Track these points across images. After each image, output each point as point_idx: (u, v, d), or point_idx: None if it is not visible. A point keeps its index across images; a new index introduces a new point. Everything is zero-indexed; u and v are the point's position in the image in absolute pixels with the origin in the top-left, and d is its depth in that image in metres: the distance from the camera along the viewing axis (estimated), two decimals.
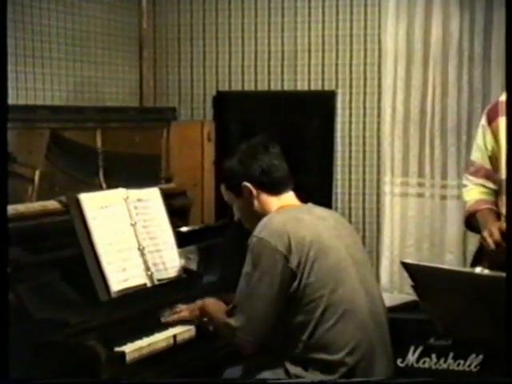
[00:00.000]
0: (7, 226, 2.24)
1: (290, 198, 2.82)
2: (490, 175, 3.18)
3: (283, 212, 2.73)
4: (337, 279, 2.64)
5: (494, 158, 3.15)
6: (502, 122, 3.06)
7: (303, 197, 2.89)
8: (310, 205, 2.86)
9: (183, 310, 3.00)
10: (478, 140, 3.23)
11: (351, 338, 2.62)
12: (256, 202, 2.78)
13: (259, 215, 2.76)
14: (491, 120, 3.15)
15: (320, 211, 2.83)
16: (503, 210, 3.03)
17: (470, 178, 3.26)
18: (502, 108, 3.01)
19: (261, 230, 2.65)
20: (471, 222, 3.21)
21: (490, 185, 3.19)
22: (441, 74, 4.18)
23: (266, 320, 2.62)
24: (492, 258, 2.95)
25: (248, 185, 2.77)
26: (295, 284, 2.61)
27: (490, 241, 2.98)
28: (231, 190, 2.83)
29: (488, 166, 3.18)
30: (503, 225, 2.94)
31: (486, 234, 3.02)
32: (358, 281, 2.69)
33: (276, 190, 2.78)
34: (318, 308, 2.60)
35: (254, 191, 2.77)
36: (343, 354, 2.60)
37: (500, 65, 4.01)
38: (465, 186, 3.30)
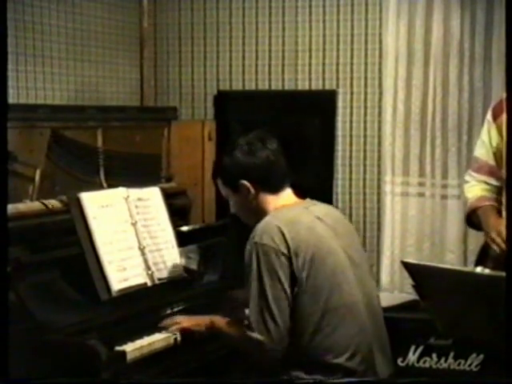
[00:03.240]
0: (7, 226, 2.23)
1: (287, 196, 2.78)
2: (494, 172, 3.16)
3: (280, 214, 2.69)
4: (334, 283, 2.62)
5: (498, 155, 3.13)
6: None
7: (304, 196, 2.87)
8: (308, 202, 2.82)
9: (184, 321, 2.93)
10: (483, 136, 3.21)
11: (351, 342, 2.61)
12: (253, 200, 2.75)
13: (257, 212, 2.74)
14: (496, 116, 3.14)
15: (318, 209, 2.78)
16: None
17: (473, 174, 3.25)
18: None
19: (261, 235, 2.61)
20: (472, 218, 3.20)
21: (493, 182, 3.18)
22: (442, 73, 4.18)
23: (285, 323, 2.58)
24: (498, 257, 2.93)
25: (246, 183, 2.73)
26: (295, 289, 2.59)
27: (499, 241, 2.96)
28: (228, 185, 2.80)
29: (492, 162, 3.17)
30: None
31: (494, 235, 3.00)
32: (355, 283, 2.67)
33: (274, 187, 2.75)
34: (316, 313, 2.59)
35: (252, 190, 2.74)
36: (344, 358, 2.59)
37: (501, 64, 4.00)
38: (467, 182, 3.28)
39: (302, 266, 2.58)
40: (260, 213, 2.73)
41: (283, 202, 2.76)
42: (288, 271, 2.58)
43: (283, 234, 2.59)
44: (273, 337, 2.57)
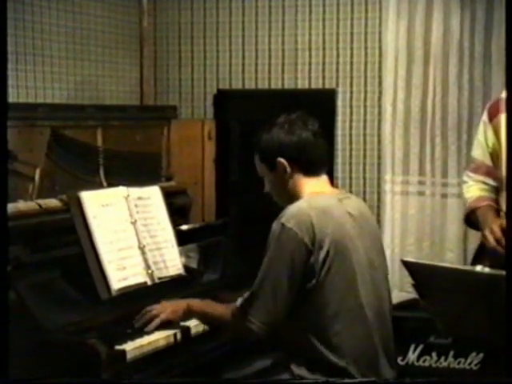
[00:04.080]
0: (7, 225, 2.23)
1: (323, 182, 2.71)
2: (491, 172, 3.18)
3: (314, 201, 2.61)
4: (352, 284, 2.58)
5: (494, 155, 3.15)
6: (502, 118, 3.05)
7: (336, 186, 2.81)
8: (342, 193, 2.77)
9: (161, 311, 2.89)
10: (479, 136, 3.23)
11: (357, 344, 2.58)
12: (289, 180, 2.67)
13: (290, 193, 2.67)
14: (492, 117, 3.15)
15: (350, 204, 2.71)
16: (504, 207, 3.03)
17: (471, 174, 3.26)
18: (503, 105, 3.01)
19: (289, 219, 2.54)
20: (471, 218, 3.21)
21: (491, 181, 3.19)
22: (441, 72, 4.18)
23: (283, 312, 2.55)
24: (493, 255, 2.95)
25: (283, 161, 2.65)
26: (313, 281, 2.53)
27: (490, 238, 2.98)
28: (265, 162, 2.72)
29: (489, 162, 3.18)
30: (504, 222, 2.94)
31: (486, 231, 3.02)
32: (370, 286, 2.63)
33: (311, 170, 2.68)
34: (328, 310, 2.54)
35: (289, 169, 2.66)
36: (348, 360, 2.56)
37: (501, 63, 4.00)
38: (465, 182, 3.30)
39: (324, 259, 2.53)
40: (294, 194, 2.67)
41: (318, 188, 2.68)
42: (304, 262, 2.53)
43: (312, 225, 2.53)
44: (262, 311, 2.54)
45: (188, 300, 2.88)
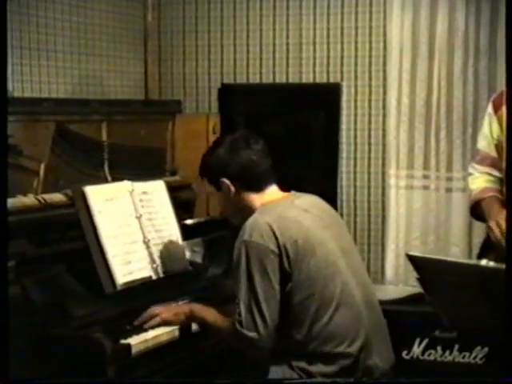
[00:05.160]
0: (7, 220, 2.23)
1: (272, 192, 2.77)
2: (496, 163, 3.18)
3: (267, 211, 2.68)
4: (327, 274, 2.63)
5: (499, 147, 3.15)
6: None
7: (308, 190, 2.86)
8: (292, 194, 2.81)
9: (163, 312, 2.89)
10: (485, 128, 3.23)
11: (348, 329, 2.62)
12: (235, 199, 2.75)
13: (241, 209, 2.74)
14: (497, 108, 3.15)
15: (303, 202, 2.77)
16: None
17: (476, 166, 3.26)
18: None
19: (250, 233, 2.60)
20: (476, 210, 3.21)
21: (496, 173, 3.19)
22: (446, 66, 4.18)
23: (275, 320, 2.59)
24: (499, 249, 2.94)
25: (226, 181, 2.73)
26: (290, 284, 2.59)
27: (497, 232, 2.98)
28: (211, 183, 2.81)
29: (494, 154, 3.19)
30: None
31: (492, 224, 3.02)
32: (348, 271, 2.68)
33: (256, 186, 2.74)
34: (311, 305, 2.60)
35: (233, 188, 2.73)
36: (344, 346, 2.60)
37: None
38: (470, 174, 3.29)
39: (294, 261, 2.59)
40: (245, 210, 2.73)
41: (268, 199, 2.75)
42: (278, 268, 2.58)
43: (273, 231, 2.59)
44: (261, 333, 2.57)
45: (191, 304, 2.89)
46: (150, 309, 2.91)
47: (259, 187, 2.75)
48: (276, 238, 2.58)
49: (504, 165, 3.09)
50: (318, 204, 2.83)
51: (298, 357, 2.63)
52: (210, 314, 2.79)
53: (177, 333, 2.91)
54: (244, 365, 2.88)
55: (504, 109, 3.07)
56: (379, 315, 2.77)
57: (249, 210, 2.72)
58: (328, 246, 2.67)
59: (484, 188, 3.18)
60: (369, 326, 2.67)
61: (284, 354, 2.65)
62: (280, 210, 2.69)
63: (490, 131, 3.19)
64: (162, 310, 2.90)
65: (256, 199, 2.74)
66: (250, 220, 2.65)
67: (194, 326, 2.95)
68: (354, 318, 2.64)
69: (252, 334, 2.58)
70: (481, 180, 3.22)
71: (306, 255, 2.60)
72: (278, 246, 2.58)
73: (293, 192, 2.82)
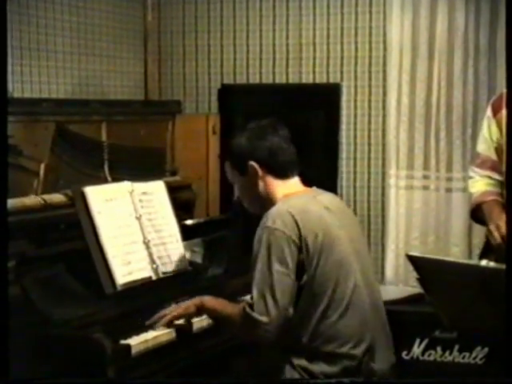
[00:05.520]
0: (7, 221, 2.23)
1: (295, 183, 2.78)
2: (496, 167, 3.18)
3: (290, 201, 2.69)
4: (340, 273, 2.63)
5: (499, 150, 3.15)
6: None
7: (310, 186, 2.86)
8: (314, 190, 2.82)
9: (173, 310, 2.88)
10: (484, 131, 3.23)
11: (355, 331, 2.62)
12: (261, 184, 2.74)
13: (262, 197, 2.74)
14: (496, 111, 3.16)
15: (325, 199, 2.79)
16: None
17: (476, 169, 3.26)
18: None
19: (274, 220, 2.60)
20: (477, 213, 3.21)
21: (496, 176, 3.19)
22: (446, 66, 4.17)
23: (286, 310, 2.59)
24: (499, 251, 2.94)
25: (254, 164, 2.73)
26: (304, 277, 2.60)
27: (496, 235, 2.98)
28: (236, 167, 2.79)
29: (494, 157, 3.19)
30: None
31: (492, 227, 3.02)
32: (359, 274, 2.68)
33: (282, 173, 2.75)
34: (321, 302, 2.60)
35: (260, 172, 2.73)
36: (349, 347, 2.61)
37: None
38: (471, 177, 3.30)
39: (312, 254, 2.59)
40: (266, 198, 2.73)
41: (291, 190, 2.75)
42: (296, 259, 2.58)
43: (296, 222, 2.59)
44: (271, 317, 2.56)
45: (202, 297, 2.86)
46: (161, 312, 2.90)
47: (285, 174, 2.75)
48: (298, 230, 2.59)
49: (504, 168, 3.09)
50: (337, 203, 2.85)
51: (300, 353, 2.62)
52: (219, 302, 2.79)
53: (176, 333, 2.91)
54: (245, 364, 2.88)
55: (503, 112, 3.07)
56: (384, 319, 2.77)
57: (270, 198, 2.73)
58: (344, 246, 2.67)
59: (484, 191, 3.18)
60: (374, 329, 2.67)
61: (285, 350, 2.65)
62: (303, 203, 2.69)
63: (489, 134, 3.19)
64: (171, 309, 2.89)
65: (279, 187, 2.74)
66: (274, 208, 2.65)
67: (195, 327, 2.95)
68: (361, 321, 2.64)
69: (262, 318, 2.56)
70: (481, 183, 3.22)
71: (324, 251, 2.61)
72: (300, 238, 2.59)
73: (315, 188, 2.82)
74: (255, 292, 2.59)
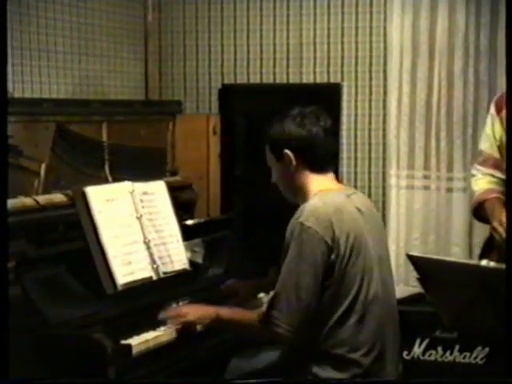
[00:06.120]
0: (7, 221, 2.23)
1: (330, 179, 2.72)
2: (499, 165, 3.17)
3: (326, 198, 2.61)
4: (364, 278, 2.60)
5: (502, 148, 3.14)
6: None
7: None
8: (347, 188, 2.79)
9: (190, 313, 2.84)
10: (487, 129, 3.23)
11: (368, 338, 2.60)
12: (294, 174, 2.68)
13: (296, 187, 2.69)
14: (499, 109, 3.15)
15: (357, 199, 2.72)
16: None
17: (479, 167, 3.26)
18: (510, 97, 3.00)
19: (308, 218, 2.54)
20: (479, 211, 3.20)
21: (499, 174, 3.18)
22: (447, 66, 4.18)
23: (309, 312, 2.54)
24: (502, 248, 2.94)
25: (289, 153, 2.66)
26: (331, 278, 2.56)
27: (500, 230, 2.97)
28: (273, 152, 2.72)
29: (497, 155, 3.18)
30: None
31: (495, 223, 3.01)
32: (379, 281, 2.65)
33: (317, 166, 2.68)
34: (342, 304, 2.57)
35: (294, 161, 2.66)
36: (359, 354, 2.58)
37: None
38: (473, 175, 3.29)
39: (343, 256, 2.55)
40: (300, 190, 2.68)
41: (327, 185, 2.69)
42: (326, 259, 2.54)
43: (331, 222, 2.54)
44: (291, 316, 2.52)
45: (217, 308, 2.81)
46: (178, 306, 2.90)
47: (320, 168, 2.69)
48: (332, 230, 2.54)
49: None
50: (368, 206, 2.79)
51: (310, 354, 2.59)
52: (235, 313, 2.75)
53: (177, 333, 2.91)
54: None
55: None
56: (397, 329, 2.73)
57: (303, 190, 2.67)
58: (370, 252, 2.63)
59: (487, 189, 3.18)
60: (387, 339, 2.65)
61: (293, 349, 2.64)
62: (338, 202, 2.63)
63: (492, 132, 3.19)
64: (189, 312, 2.84)
65: (313, 181, 2.67)
66: (310, 205, 2.59)
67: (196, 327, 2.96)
68: (376, 328, 2.61)
69: (281, 315, 2.52)
70: (484, 181, 3.21)
71: (353, 254, 2.57)
72: (333, 238, 2.54)
73: (347, 186, 2.79)
74: (279, 287, 2.56)
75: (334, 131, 2.73)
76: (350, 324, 2.57)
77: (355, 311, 2.58)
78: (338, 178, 2.75)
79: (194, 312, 2.84)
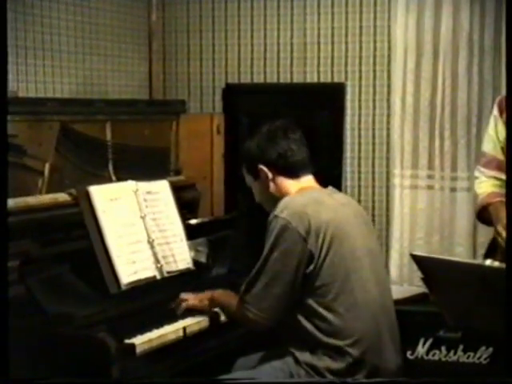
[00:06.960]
0: (7, 221, 2.23)
1: (309, 181, 2.82)
2: (502, 166, 3.15)
3: (304, 193, 2.74)
4: (351, 267, 2.65)
5: (505, 149, 3.13)
6: None
7: (325, 186, 2.87)
8: (330, 189, 2.86)
9: (190, 298, 3.01)
10: (490, 130, 3.22)
11: (358, 327, 2.62)
12: (272, 185, 2.79)
13: (277, 198, 2.75)
14: (502, 110, 3.14)
15: (340, 197, 2.86)
16: None
17: (482, 169, 3.25)
18: None
19: (282, 210, 2.65)
20: (483, 214, 3.20)
21: (503, 176, 3.16)
22: (451, 65, 4.17)
23: (281, 300, 2.63)
24: (506, 251, 2.93)
25: (264, 168, 2.78)
26: (311, 266, 2.62)
27: (504, 235, 2.96)
28: (249, 172, 2.85)
29: (500, 156, 3.17)
30: None
31: (500, 228, 3.00)
32: (370, 271, 2.70)
33: (293, 173, 2.78)
34: (329, 293, 2.61)
35: (270, 174, 2.77)
36: (347, 343, 2.60)
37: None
38: (476, 178, 3.28)
39: (321, 244, 2.61)
40: (281, 196, 2.75)
41: (305, 185, 2.79)
42: (301, 249, 2.61)
43: (306, 214, 2.63)
44: (260, 303, 2.64)
45: (212, 291, 2.98)
46: (180, 295, 3.03)
47: (296, 174, 2.79)
48: (308, 221, 2.62)
49: None
50: (353, 204, 2.91)
51: (303, 347, 2.64)
52: (224, 296, 2.90)
53: (181, 332, 2.92)
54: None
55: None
56: (393, 319, 2.77)
57: (285, 195, 2.76)
58: (356, 242, 2.70)
59: (491, 193, 3.17)
60: (381, 328, 2.68)
61: (290, 343, 2.67)
62: (317, 195, 2.75)
63: (495, 133, 3.18)
64: (189, 297, 3.01)
65: (292, 185, 2.78)
66: (287, 198, 2.71)
67: (201, 325, 2.96)
68: (368, 318, 2.65)
69: (250, 300, 2.65)
70: (487, 184, 3.20)
71: (334, 242, 2.63)
72: (308, 229, 2.61)
73: (330, 187, 2.86)
74: (253, 274, 2.66)
75: (303, 141, 2.83)
76: (340, 312, 2.61)
77: (344, 300, 2.62)
78: (321, 183, 2.82)
79: (194, 296, 3.02)
